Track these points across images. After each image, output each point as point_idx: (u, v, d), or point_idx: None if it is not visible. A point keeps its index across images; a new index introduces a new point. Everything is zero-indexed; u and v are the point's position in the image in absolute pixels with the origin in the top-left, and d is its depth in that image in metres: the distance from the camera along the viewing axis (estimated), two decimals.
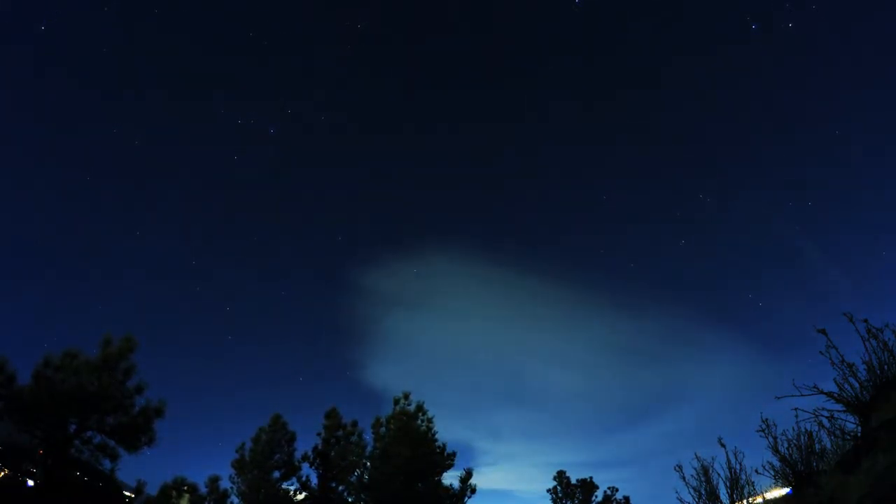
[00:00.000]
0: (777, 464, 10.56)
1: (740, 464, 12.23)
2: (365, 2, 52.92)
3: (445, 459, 17.32)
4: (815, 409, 8.34)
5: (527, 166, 68.60)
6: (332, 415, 17.31)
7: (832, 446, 9.72)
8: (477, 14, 55.54)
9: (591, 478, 25.46)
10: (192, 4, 51.01)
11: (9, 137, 49.48)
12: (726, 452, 12.30)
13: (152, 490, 13.52)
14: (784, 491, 11.00)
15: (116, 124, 54.94)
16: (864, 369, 7.67)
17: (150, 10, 47.93)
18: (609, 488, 25.72)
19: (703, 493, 12.76)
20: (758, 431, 10.40)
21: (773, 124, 56.63)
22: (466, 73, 61.28)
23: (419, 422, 17.28)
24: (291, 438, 16.90)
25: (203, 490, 15.67)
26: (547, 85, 60.33)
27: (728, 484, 12.33)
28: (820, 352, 7.93)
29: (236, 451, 16.66)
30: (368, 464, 16.89)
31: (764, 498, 11.93)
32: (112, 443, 12.79)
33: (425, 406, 17.56)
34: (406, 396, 17.57)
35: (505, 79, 62.50)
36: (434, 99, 63.18)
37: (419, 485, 16.74)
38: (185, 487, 14.78)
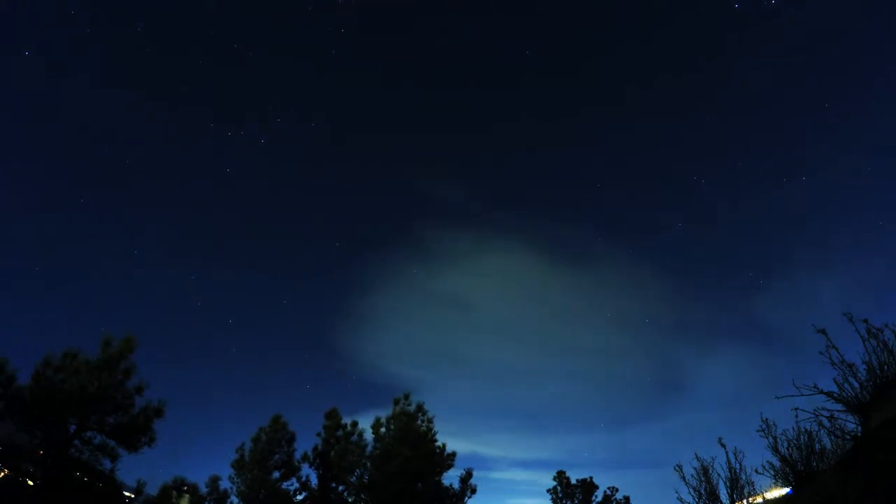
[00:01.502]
0: (777, 464, 10.59)
1: (740, 464, 12.26)
2: (345, 6, 52.82)
3: (445, 459, 17.30)
4: (815, 409, 8.36)
5: (520, 159, 68.37)
6: (332, 415, 17.29)
7: (832, 446, 9.74)
8: (461, 13, 55.44)
9: (591, 478, 25.44)
10: (173, 20, 50.84)
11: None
12: (726, 452, 12.34)
13: (152, 490, 13.53)
14: (784, 491, 11.01)
15: (106, 144, 54.79)
16: (864, 369, 7.68)
17: (133, 27, 47.91)
18: (609, 488, 25.65)
19: (703, 493, 12.77)
20: (758, 431, 10.43)
21: (767, 103, 56.30)
22: (454, 70, 61.22)
23: (419, 422, 17.27)
24: (291, 438, 16.88)
25: (203, 490, 15.67)
26: (538, 81, 60.11)
27: (728, 484, 12.34)
28: (820, 352, 7.95)
29: (236, 452, 16.63)
30: (368, 464, 16.87)
31: (764, 498, 11.93)
32: (112, 443, 12.79)
33: (425, 406, 17.59)
34: (406, 397, 17.56)
35: (494, 73, 62.41)
36: (422, 99, 63.14)
37: (419, 485, 16.73)
38: (185, 487, 14.78)
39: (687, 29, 55.29)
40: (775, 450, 10.30)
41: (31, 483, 12.27)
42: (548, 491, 25.51)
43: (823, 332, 7.96)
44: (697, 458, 13.04)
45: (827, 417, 8.32)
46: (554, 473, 25.72)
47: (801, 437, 9.98)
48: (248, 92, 57.45)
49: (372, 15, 54.15)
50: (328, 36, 53.62)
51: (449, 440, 17.81)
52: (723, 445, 12.33)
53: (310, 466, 16.85)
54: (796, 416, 8.98)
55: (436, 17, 55.63)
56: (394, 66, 60.62)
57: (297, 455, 16.86)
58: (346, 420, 17.47)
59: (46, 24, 45.73)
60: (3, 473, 12.45)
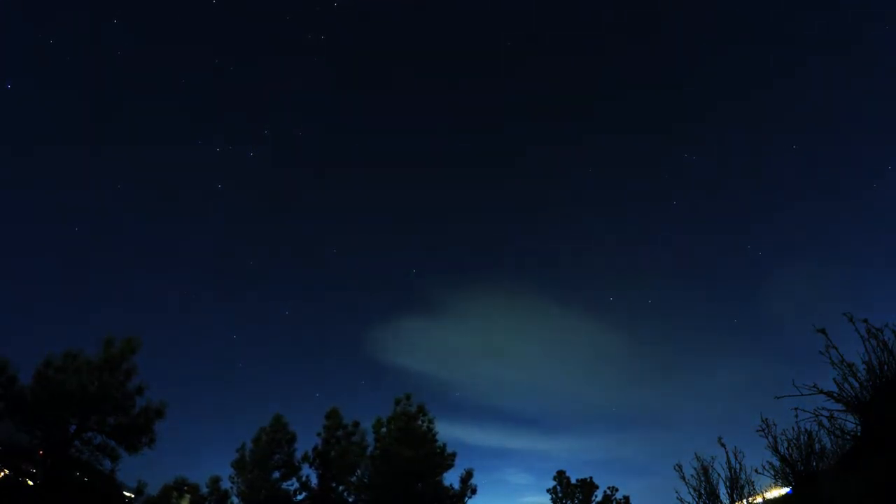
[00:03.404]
0: (777, 464, 10.59)
1: (740, 464, 12.26)
2: (323, 13, 52.90)
3: (446, 460, 17.33)
4: (815, 409, 8.34)
5: (509, 149, 68.07)
6: (332, 415, 17.31)
7: (832, 446, 9.73)
8: (449, 16, 55.45)
9: (591, 478, 25.48)
10: (152, 41, 50.89)
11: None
12: (726, 452, 12.33)
13: (154, 491, 13.54)
14: (784, 491, 11.03)
15: (96, 172, 54.81)
16: (864, 369, 7.68)
17: (114, 52, 48.07)
18: (609, 488, 25.67)
19: (703, 492, 12.78)
20: (758, 431, 10.42)
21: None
22: (441, 73, 61.09)
23: (420, 422, 17.31)
24: (292, 439, 16.91)
25: (204, 490, 15.68)
26: (523, 72, 59.65)
27: (728, 484, 12.35)
28: (820, 352, 7.95)
29: (237, 452, 16.68)
30: (369, 464, 16.91)
31: (764, 498, 11.95)
32: (112, 443, 12.81)
33: (426, 407, 17.65)
34: (407, 397, 17.62)
35: (474, 78, 62.14)
36: (405, 101, 63.05)
37: (419, 485, 16.76)
38: (186, 488, 14.79)
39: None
40: (775, 450, 10.31)
41: (31, 483, 12.28)
42: (548, 491, 25.56)
43: (823, 331, 7.96)
44: (697, 457, 13.05)
45: (827, 417, 8.32)
46: (554, 473, 25.79)
47: (801, 436, 9.99)
48: (232, 107, 57.52)
49: (353, 20, 54.23)
50: (309, 43, 53.56)
51: (449, 440, 17.84)
52: (723, 445, 12.34)
53: (310, 466, 16.88)
54: (796, 416, 8.96)
55: (420, 20, 55.69)
56: (377, 68, 60.62)
57: (298, 455, 16.90)
58: (347, 420, 17.51)
59: (26, 52, 45.87)
60: (2, 473, 12.45)
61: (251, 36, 54.38)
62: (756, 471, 11.63)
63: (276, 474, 16.50)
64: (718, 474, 12.57)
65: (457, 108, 63.58)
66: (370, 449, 17.10)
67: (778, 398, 8.46)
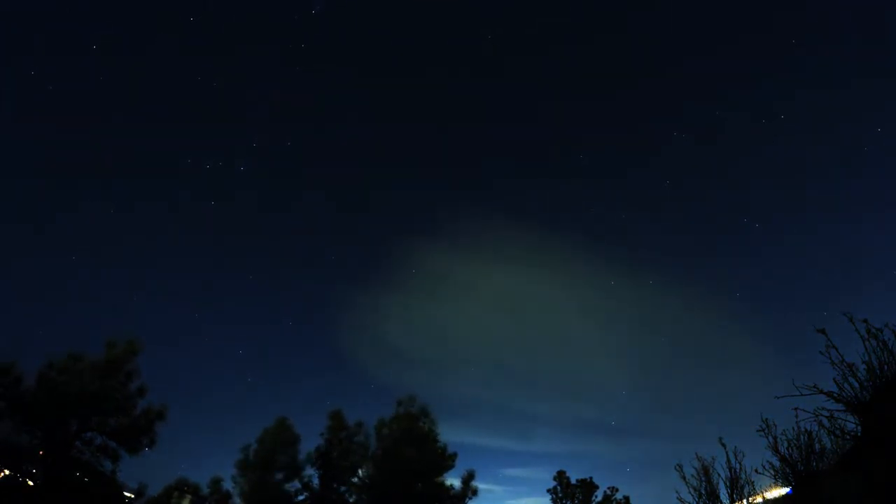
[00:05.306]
0: (777, 463, 10.61)
1: (740, 464, 12.28)
2: (301, 21, 53.26)
3: (447, 460, 17.34)
4: (815, 409, 8.35)
5: (503, 150, 68.04)
6: (335, 416, 17.35)
7: (832, 446, 9.74)
8: (429, 20, 55.40)
9: (591, 478, 25.47)
10: (134, 60, 50.92)
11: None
12: (726, 452, 12.35)
13: (155, 491, 13.57)
14: (784, 491, 11.04)
15: (89, 198, 54.82)
16: (864, 369, 7.69)
17: (96, 77, 48.14)
18: (609, 488, 25.62)
19: (703, 492, 12.80)
20: (758, 431, 10.44)
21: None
22: (419, 72, 61.05)
23: (422, 423, 17.33)
24: (296, 441, 16.98)
25: (205, 491, 15.70)
26: (511, 69, 59.23)
27: (728, 484, 12.37)
28: (820, 352, 7.96)
29: (241, 452, 16.73)
30: (371, 464, 16.94)
31: (764, 498, 11.97)
32: (113, 444, 12.84)
33: (429, 409, 17.70)
34: (410, 399, 17.68)
35: (462, 77, 61.98)
36: (392, 101, 63.12)
37: (420, 485, 16.77)
38: (187, 488, 14.81)
39: None
40: (775, 450, 10.33)
41: (31, 483, 12.29)
42: (548, 490, 25.55)
43: (823, 331, 7.98)
44: (698, 457, 13.07)
45: (827, 417, 8.33)
46: (554, 473, 25.79)
47: (801, 437, 10.01)
48: (218, 122, 57.56)
49: (331, 27, 54.33)
50: (289, 52, 53.59)
51: (449, 440, 17.83)
52: (723, 445, 12.36)
53: (312, 467, 16.91)
54: (796, 416, 8.99)
55: (401, 22, 55.72)
56: (360, 72, 60.77)
57: (301, 456, 16.97)
58: (351, 421, 17.56)
59: (10, 77, 45.86)
60: (3, 473, 12.46)
61: (232, 47, 54.55)
62: (756, 471, 11.65)
63: (279, 475, 16.54)
64: (718, 474, 12.60)
65: (448, 108, 63.68)
66: (372, 450, 17.13)
67: (778, 398, 8.48)
